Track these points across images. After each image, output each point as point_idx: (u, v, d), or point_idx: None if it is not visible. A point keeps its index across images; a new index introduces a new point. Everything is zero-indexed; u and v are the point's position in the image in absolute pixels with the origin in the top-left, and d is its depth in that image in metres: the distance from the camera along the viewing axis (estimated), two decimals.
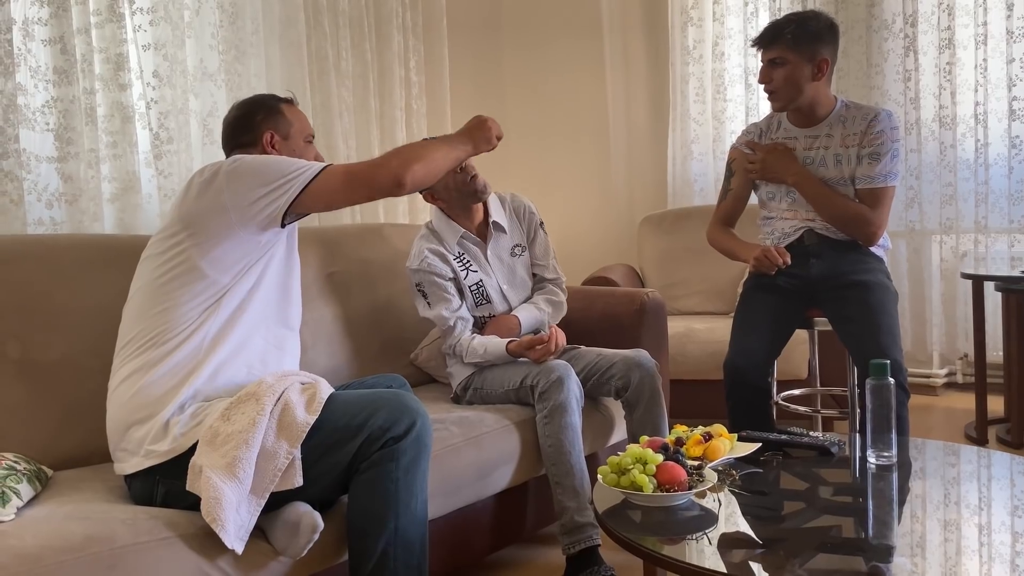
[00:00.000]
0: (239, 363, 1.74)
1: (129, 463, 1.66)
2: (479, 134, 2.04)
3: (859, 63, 4.18)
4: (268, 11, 3.27)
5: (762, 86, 2.51)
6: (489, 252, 2.59)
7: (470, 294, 2.55)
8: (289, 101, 2.06)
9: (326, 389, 1.68)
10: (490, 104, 4.64)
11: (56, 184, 2.60)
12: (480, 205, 2.58)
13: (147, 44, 2.84)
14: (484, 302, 2.56)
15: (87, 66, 2.65)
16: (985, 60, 3.95)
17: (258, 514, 1.55)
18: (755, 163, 2.59)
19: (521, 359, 2.44)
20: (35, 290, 1.97)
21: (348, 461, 1.62)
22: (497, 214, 2.62)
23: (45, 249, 2.05)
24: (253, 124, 1.98)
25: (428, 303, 2.51)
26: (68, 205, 2.61)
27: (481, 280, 2.55)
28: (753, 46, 2.51)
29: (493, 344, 2.44)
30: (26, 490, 1.61)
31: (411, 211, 3.96)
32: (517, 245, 2.66)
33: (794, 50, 2.42)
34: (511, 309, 2.59)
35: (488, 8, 4.61)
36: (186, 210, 1.75)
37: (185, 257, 1.72)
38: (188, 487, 1.53)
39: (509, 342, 2.42)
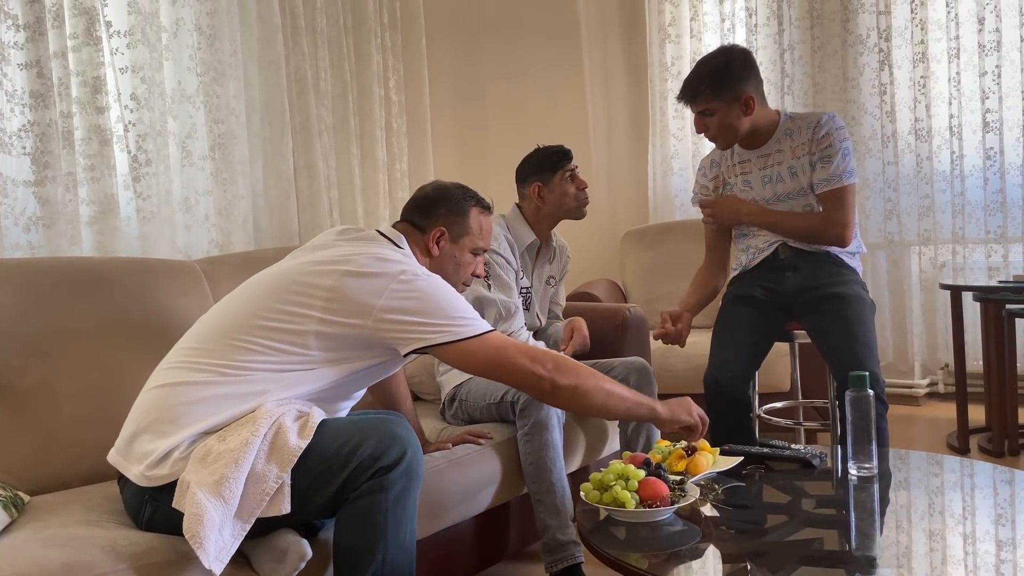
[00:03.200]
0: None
1: (127, 470, 1.63)
2: (681, 408, 1.88)
3: (835, 77, 4.23)
4: (246, 32, 3.27)
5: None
6: (535, 271, 2.70)
7: (520, 295, 2.60)
8: (485, 207, 2.01)
9: (318, 415, 1.65)
10: (470, 123, 4.65)
11: (33, 208, 2.58)
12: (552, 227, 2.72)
13: (124, 67, 2.83)
14: (526, 309, 2.64)
15: (64, 89, 2.63)
16: (958, 73, 4.01)
17: (242, 538, 1.51)
18: (710, 218, 2.65)
19: None
20: (11, 314, 1.95)
21: (337, 489, 1.58)
22: (556, 242, 2.77)
23: (22, 273, 2.03)
24: (433, 213, 1.94)
25: (489, 285, 2.52)
26: (46, 229, 2.59)
27: (530, 288, 2.64)
28: (678, 100, 2.53)
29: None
30: (2, 517, 1.58)
31: None
32: (552, 276, 2.78)
33: (717, 99, 2.44)
34: (539, 325, 2.70)
35: (467, 29, 4.63)
36: (342, 288, 1.69)
37: (304, 319, 1.67)
38: (174, 504, 1.51)
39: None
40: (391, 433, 1.60)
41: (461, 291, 1.95)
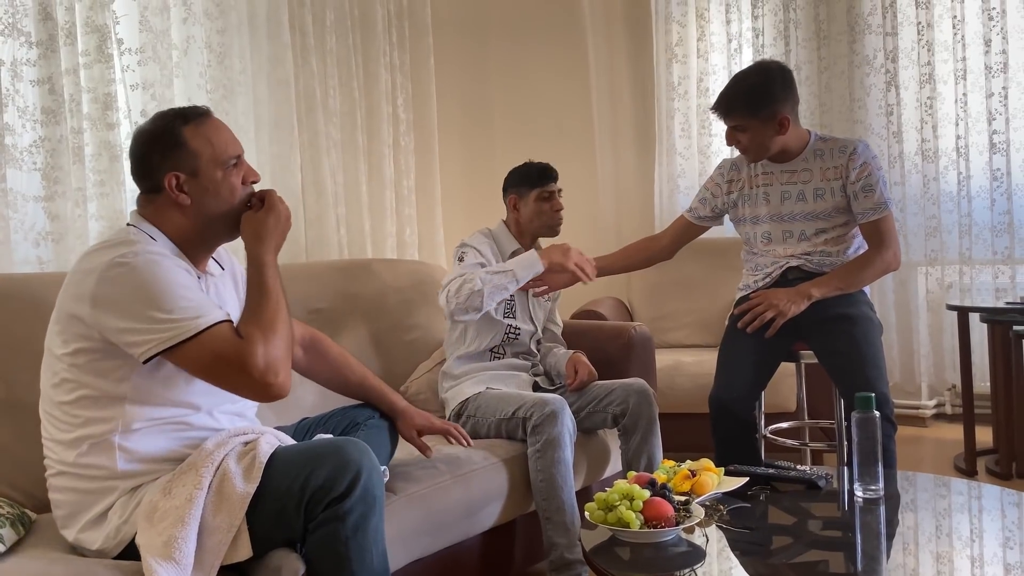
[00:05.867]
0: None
1: (85, 552, 1.60)
2: (272, 228, 1.72)
3: (842, 98, 4.24)
4: (256, 50, 3.30)
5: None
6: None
7: (500, 304, 2.61)
8: (195, 118, 1.67)
9: (266, 449, 1.57)
10: (477, 141, 4.67)
11: (43, 223, 2.59)
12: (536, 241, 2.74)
13: (135, 84, 2.85)
14: (510, 316, 2.63)
15: (75, 106, 2.66)
16: (965, 95, 4.01)
17: None
18: (762, 304, 2.48)
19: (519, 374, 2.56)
20: (21, 329, 1.96)
21: (299, 523, 1.53)
22: None
23: (31, 288, 2.04)
24: (150, 168, 1.64)
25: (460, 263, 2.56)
26: (55, 244, 2.61)
27: (513, 297, 2.63)
28: (712, 112, 2.52)
29: (516, 258, 2.49)
30: (9, 535, 1.59)
31: (399, 245, 3.97)
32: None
33: (752, 117, 2.42)
34: (535, 332, 2.69)
35: (475, 48, 4.66)
36: (60, 308, 1.59)
37: (58, 359, 1.58)
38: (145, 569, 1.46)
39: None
40: (342, 460, 1.52)
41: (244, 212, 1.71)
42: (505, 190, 2.73)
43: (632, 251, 2.87)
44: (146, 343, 1.49)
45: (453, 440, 2.16)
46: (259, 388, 1.53)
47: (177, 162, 1.63)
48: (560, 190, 2.69)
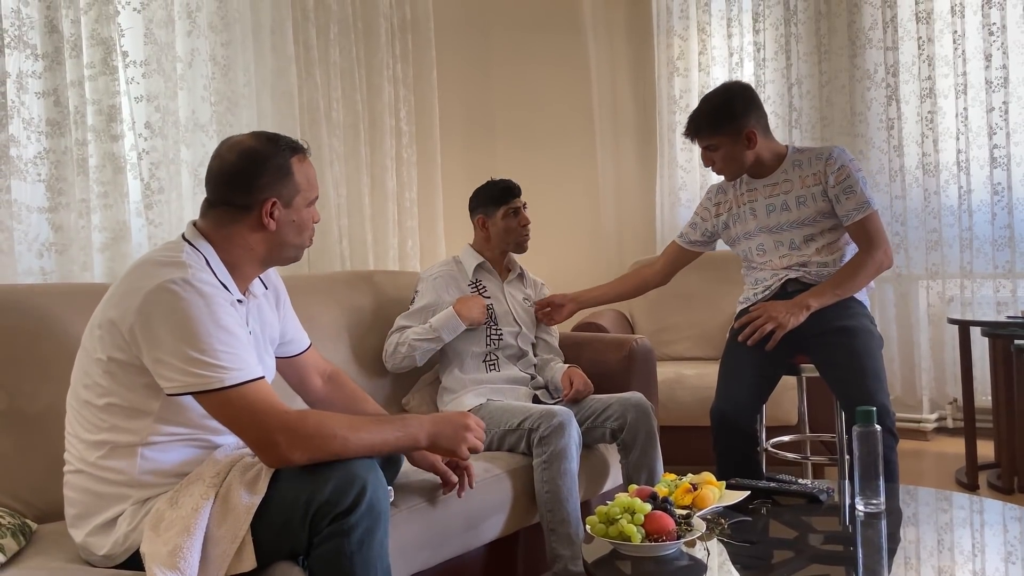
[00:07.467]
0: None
1: (90, 556, 1.61)
2: (450, 432, 1.73)
3: (843, 112, 4.26)
4: (260, 63, 3.31)
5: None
6: (506, 285, 2.78)
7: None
8: (300, 152, 1.75)
9: None
10: (480, 154, 4.68)
11: (47, 234, 2.60)
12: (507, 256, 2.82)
13: (140, 96, 2.87)
14: (493, 324, 2.69)
15: (80, 118, 2.67)
16: (966, 109, 4.03)
17: None
18: (761, 317, 2.49)
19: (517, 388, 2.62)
20: (23, 340, 1.96)
21: (302, 536, 1.53)
22: (526, 274, 2.89)
23: (34, 298, 2.04)
24: (255, 186, 1.67)
25: (409, 308, 2.70)
26: (58, 255, 2.62)
27: (491, 304, 2.70)
28: (684, 136, 2.64)
29: (438, 317, 2.60)
30: (10, 545, 1.59)
31: (401, 257, 3.97)
32: (527, 298, 2.84)
33: (719, 135, 2.53)
34: (520, 331, 2.73)
35: (478, 62, 4.67)
36: (102, 317, 1.59)
37: (95, 362, 1.59)
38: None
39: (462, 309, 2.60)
40: (348, 474, 1.52)
41: (308, 244, 1.79)
42: (472, 210, 2.79)
43: (625, 280, 3.00)
44: (173, 380, 1.51)
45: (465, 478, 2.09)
46: (270, 452, 1.52)
47: (281, 190, 1.69)
48: (525, 204, 2.77)
